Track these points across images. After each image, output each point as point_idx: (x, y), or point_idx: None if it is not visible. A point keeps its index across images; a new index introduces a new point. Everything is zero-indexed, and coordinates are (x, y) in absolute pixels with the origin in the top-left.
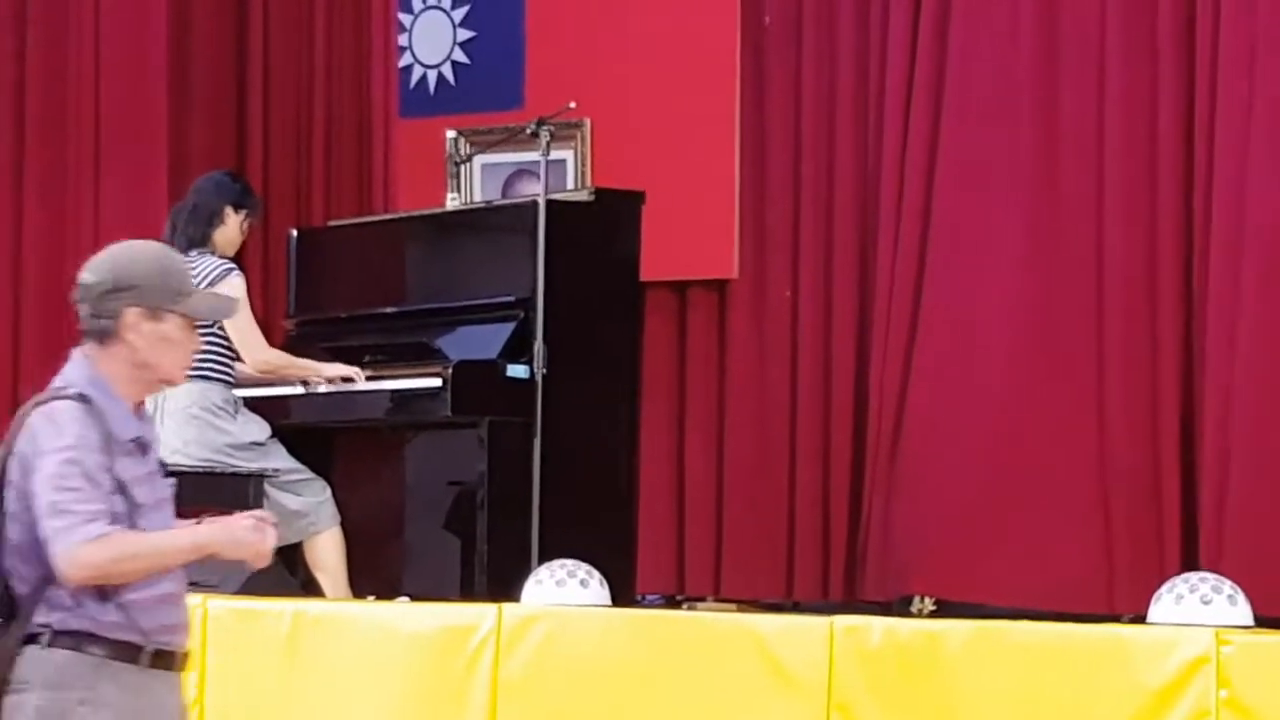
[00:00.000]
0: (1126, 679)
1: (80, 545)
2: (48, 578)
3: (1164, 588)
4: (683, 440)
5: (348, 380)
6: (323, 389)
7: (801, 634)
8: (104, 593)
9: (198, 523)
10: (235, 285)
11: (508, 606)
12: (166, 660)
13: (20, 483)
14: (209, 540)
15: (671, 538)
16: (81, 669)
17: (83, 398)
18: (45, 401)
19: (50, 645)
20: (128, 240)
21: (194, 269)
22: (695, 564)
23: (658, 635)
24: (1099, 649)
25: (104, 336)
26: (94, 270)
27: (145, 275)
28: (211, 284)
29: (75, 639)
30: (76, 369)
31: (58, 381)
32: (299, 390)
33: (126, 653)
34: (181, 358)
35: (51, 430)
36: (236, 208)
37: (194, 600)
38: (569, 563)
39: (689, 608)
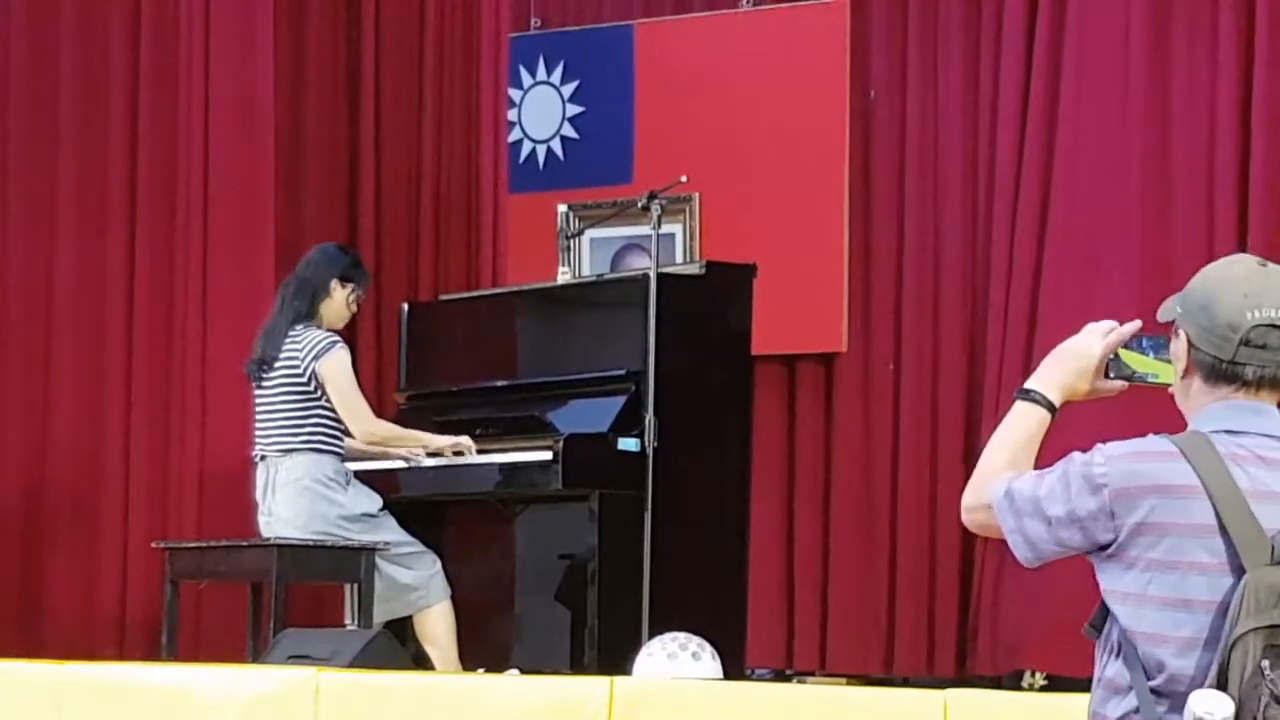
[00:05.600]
0: None
1: None
2: None
3: None
4: (791, 514)
5: (458, 452)
6: (432, 462)
7: (916, 708)
8: None
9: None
10: (338, 358)
11: (619, 680)
12: None
13: None
14: None
15: (780, 612)
16: None
17: None
18: None
19: None
20: None
21: (297, 342)
22: (803, 638)
23: (772, 709)
24: None
25: None
26: None
27: None
28: (315, 357)
29: None
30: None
31: None
32: (409, 463)
33: None
34: None
35: None
36: (344, 281)
37: (306, 673)
38: (680, 635)
39: (798, 682)
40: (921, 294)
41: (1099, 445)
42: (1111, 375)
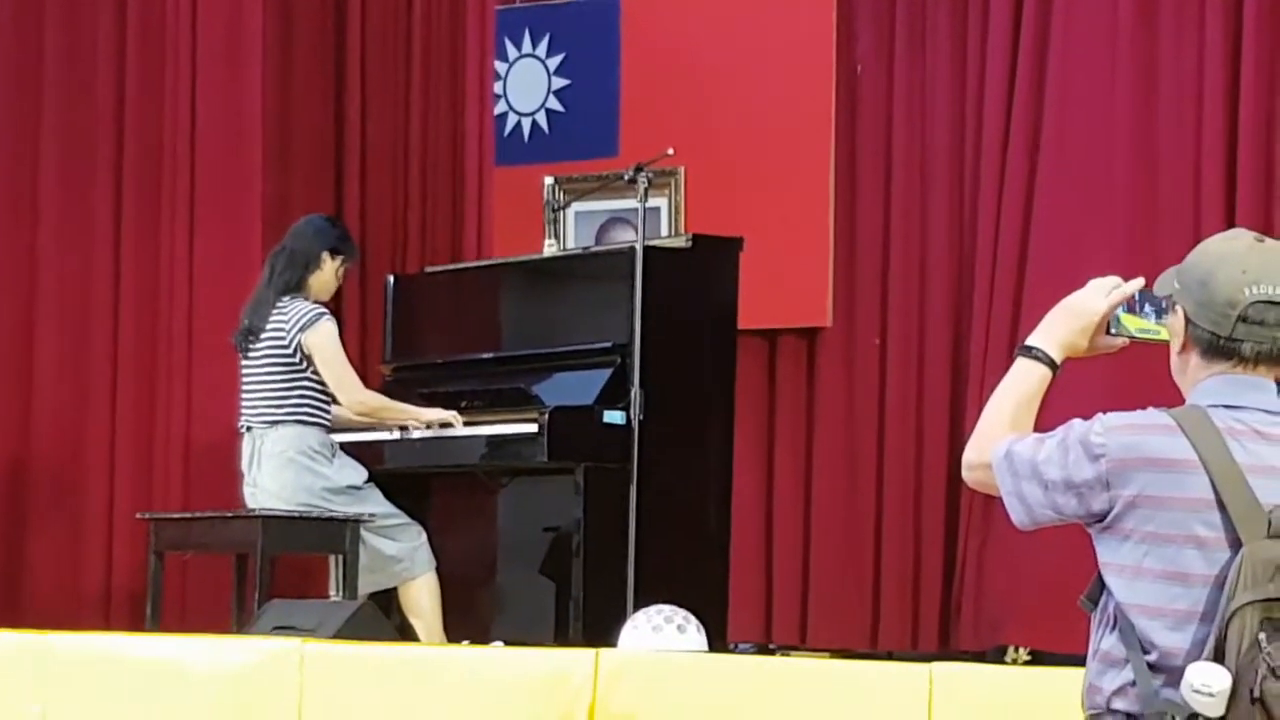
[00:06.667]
0: None
1: None
2: None
3: None
4: (771, 488)
5: (445, 425)
6: (418, 434)
7: (902, 682)
8: None
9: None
10: (326, 330)
11: (605, 652)
12: None
13: None
14: None
15: (759, 586)
16: None
17: None
18: None
19: None
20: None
21: (284, 313)
22: (782, 613)
23: (758, 682)
24: None
25: None
26: None
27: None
28: (302, 329)
29: None
30: None
31: None
32: (395, 435)
33: None
34: None
35: None
36: (334, 253)
37: (290, 644)
38: (666, 608)
39: (782, 656)
40: (907, 269)
41: (1099, 415)
42: (1113, 332)
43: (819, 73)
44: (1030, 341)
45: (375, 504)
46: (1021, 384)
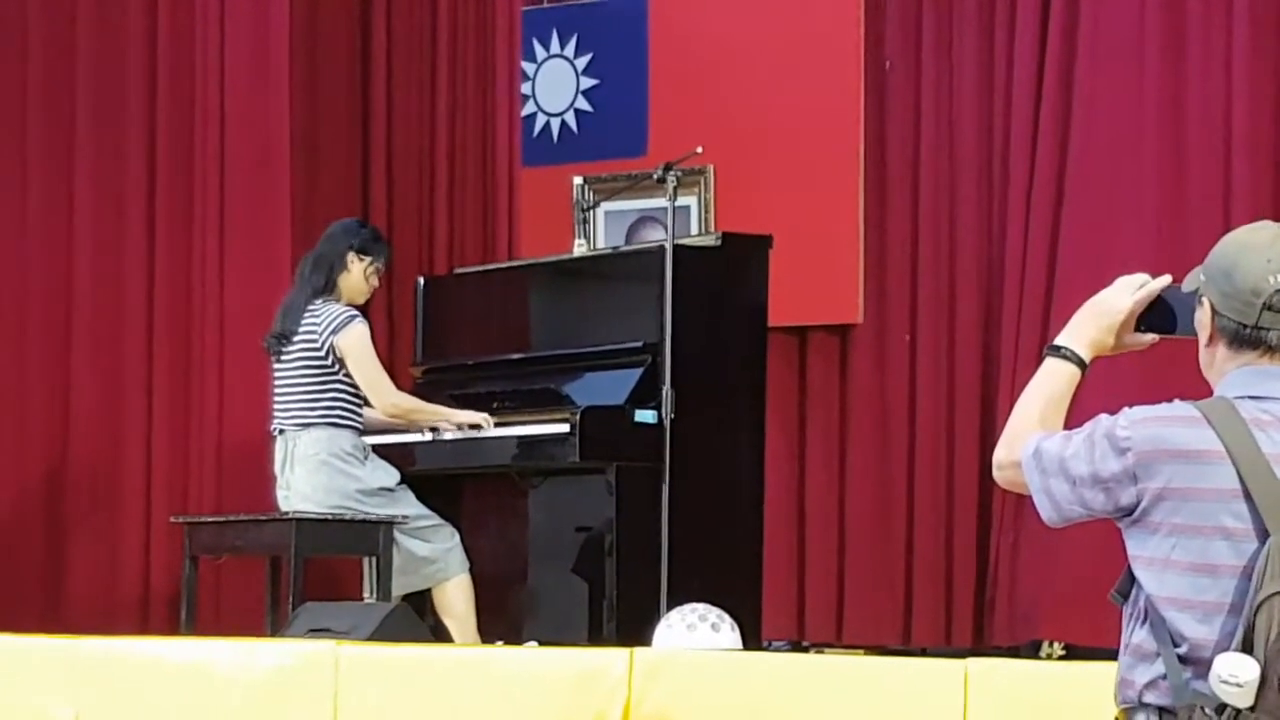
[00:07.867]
0: None
1: None
2: None
3: None
4: (803, 486)
5: (476, 426)
6: (450, 435)
7: (937, 678)
8: None
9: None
10: (357, 332)
11: (639, 651)
12: None
13: None
14: None
15: (792, 584)
16: None
17: None
18: None
19: None
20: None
21: (316, 316)
22: (816, 610)
23: (792, 680)
24: None
25: None
26: None
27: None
28: (334, 331)
29: None
30: None
31: None
32: (427, 437)
33: None
34: None
35: None
36: (361, 254)
37: (325, 647)
38: (700, 607)
39: (816, 653)
40: (938, 265)
41: (1125, 409)
42: (1141, 329)
43: (847, 69)
44: (1058, 341)
45: (408, 506)
46: (1050, 383)
